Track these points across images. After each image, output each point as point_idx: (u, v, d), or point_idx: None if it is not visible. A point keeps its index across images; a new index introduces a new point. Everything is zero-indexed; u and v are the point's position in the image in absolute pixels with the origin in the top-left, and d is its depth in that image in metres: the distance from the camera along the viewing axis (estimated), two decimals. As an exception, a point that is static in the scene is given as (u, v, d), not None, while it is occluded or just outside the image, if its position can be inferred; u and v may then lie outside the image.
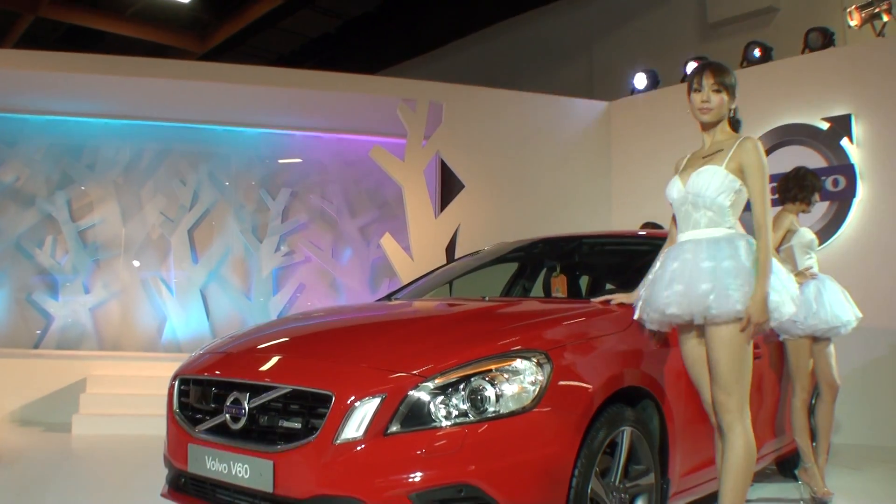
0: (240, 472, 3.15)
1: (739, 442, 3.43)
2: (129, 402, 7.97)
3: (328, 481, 2.93)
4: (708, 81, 3.61)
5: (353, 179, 11.35)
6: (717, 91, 3.62)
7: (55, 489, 5.19)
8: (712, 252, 3.43)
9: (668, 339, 3.82)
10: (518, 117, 9.96)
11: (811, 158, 8.31)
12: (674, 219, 3.81)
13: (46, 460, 6.35)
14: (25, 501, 4.77)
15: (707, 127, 3.72)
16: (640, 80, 10.26)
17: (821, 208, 8.11)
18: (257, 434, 3.18)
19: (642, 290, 3.68)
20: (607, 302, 3.88)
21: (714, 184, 3.52)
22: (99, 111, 10.47)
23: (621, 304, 3.84)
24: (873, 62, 8.19)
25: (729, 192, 3.52)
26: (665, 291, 3.44)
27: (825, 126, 8.32)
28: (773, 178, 8.66)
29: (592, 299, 4.05)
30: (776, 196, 5.35)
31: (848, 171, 8.08)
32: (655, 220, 6.92)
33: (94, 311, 10.41)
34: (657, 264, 3.68)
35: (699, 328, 3.52)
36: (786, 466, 5.80)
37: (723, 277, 3.35)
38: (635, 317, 3.68)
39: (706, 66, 3.67)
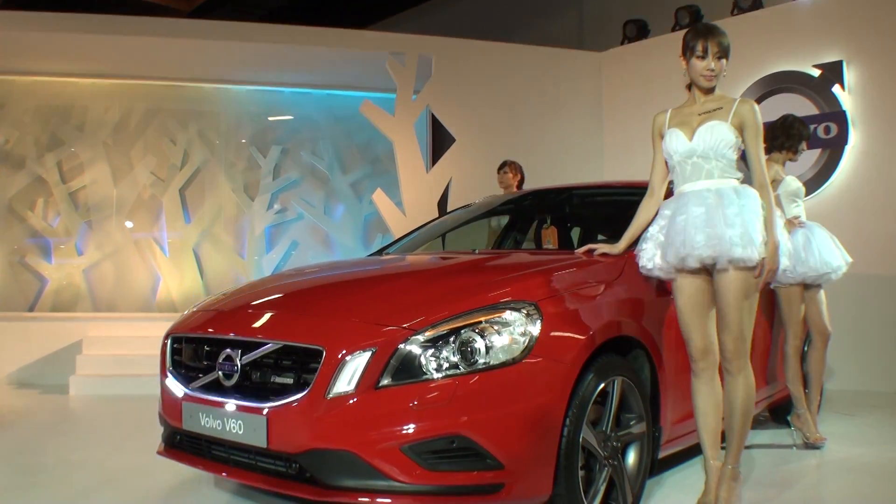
0: (234, 428, 3.17)
1: (747, 383, 3.56)
2: (125, 362, 8.00)
3: (321, 435, 2.95)
4: (713, 49, 3.60)
5: (344, 135, 11.31)
6: (720, 58, 3.63)
7: (54, 449, 5.22)
8: (734, 199, 3.49)
9: (660, 288, 3.84)
10: (509, 70, 9.90)
11: (802, 106, 8.28)
12: (658, 171, 3.87)
13: (44, 421, 6.38)
14: (25, 462, 4.80)
15: (705, 89, 3.70)
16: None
17: (812, 155, 8.10)
18: (250, 390, 3.20)
19: (648, 241, 3.69)
20: (590, 252, 3.89)
21: (726, 138, 3.55)
22: (87, 71, 10.39)
23: (604, 255, 3.85)
24: (865, 8, 8.12)
25: (735, 148, 3.58)
26: (699, 235, 3.44)
27: (816, 73, 8.28)
28: (767, 125, 8.68)
29: (576, 250, 4.05)
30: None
31: (839, 118, 8.04)
32: (648, 171, 6.89)
33: (87, 273, 10.42)
34: (666, 213, 3.67)
35: (702, 276, 3.58)
36: (778, 413, 5.85)
37: (747, 223, 3.42)
38: (641, 265, 3.69)
39: (710, 31, 3.63)
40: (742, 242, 3.38)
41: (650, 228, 3.74)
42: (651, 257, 3.66)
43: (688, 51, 3.68)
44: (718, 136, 3.56)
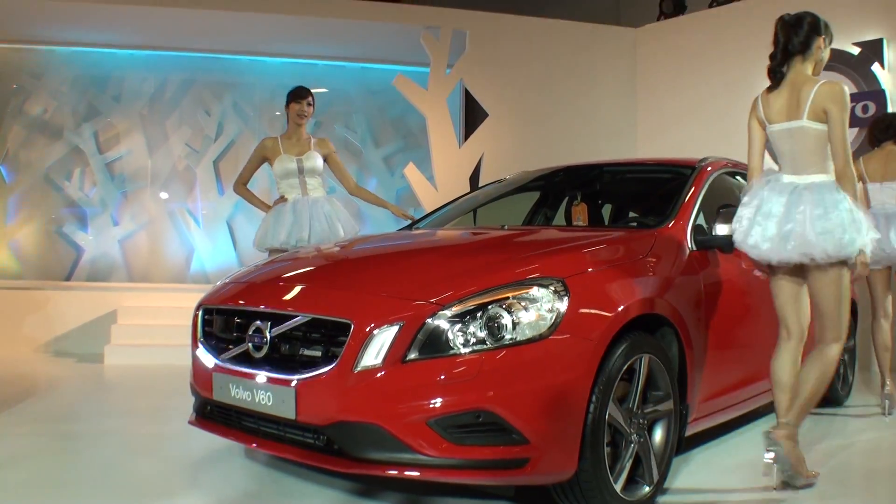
0: (263, 399, 3.21)
1: (833, 353, 3.80)
2: (159, 332, 8.10)
3: (348, 408, 2.99)
4: None
5: (378, 109, 11.30)
6: None
7: (87, 417, 5.31)
8: (835, 197, 3.65)
9: (689, 266, 3.84)
10: (543, 45, 9.84)
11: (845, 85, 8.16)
12: (757, 149, 3.99)
13: (79, 390, 6.49)
14: (58, 429, 4.89)
15: None
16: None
17: (850, 134, 7.98)
18: (279, 362, 3.24)
19: (750, 231, 3.78)
20: None
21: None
22: (124, 42, 10.42)
23: (638, 231, 3.88)
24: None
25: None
26: (811, 234, 3.59)
27: (856, 51, 8.15)
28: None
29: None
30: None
31: (879, 97, 7.93)
32: (680, 149, 6.94)
33: (122, 243, 10.51)
34: (761, 195, 3.80)
35: (796, 268, 3.78)
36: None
37: (849, 222, 3.59)
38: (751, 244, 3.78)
39: None
40: (848, 242, 3.57)
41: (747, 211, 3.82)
42: (756, 241, 3.75)
43: (828, 41, 3.91)
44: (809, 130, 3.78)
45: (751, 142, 3.98)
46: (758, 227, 3.74)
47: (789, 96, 3.80)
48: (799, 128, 3.75)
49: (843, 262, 3.67)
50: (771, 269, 3.89)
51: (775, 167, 3.94)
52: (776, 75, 3.87)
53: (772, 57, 3.89)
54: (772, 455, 3.66)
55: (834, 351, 3.80)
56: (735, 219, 3.86)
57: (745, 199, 3.86)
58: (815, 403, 3.88)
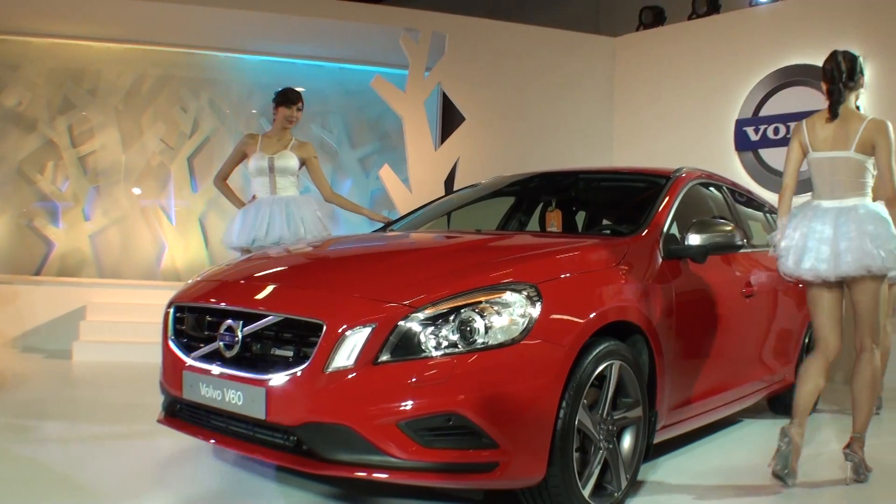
0: (233, 398, 3.20)
1: (877, 358, 4.17)
2: (129, 329, 8.03)
3: (319, 409, 2.98)
4: None
5: (355, 110, 11.30)
6: None
7: (54, 414, 5.26)
8: (883, 215, 4.04)
9: (661, 275, 3.87)
10: (522, 51, 9.87)
11: (817, 100, 8.20)
12: (793, 169, 4.32)
13: (48, 386, 6.42)
14: (26, 426, 4.84)
15: None
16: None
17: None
18: (250, 361, 3.23)
19: (803, 258, 4.08)
20: None
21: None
22: (101, 35, 10.35)
23: (612, 239, 3.93)
24: (884, 3, 8.07)
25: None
26: (869, 246, 3.94)
27: (832, 67, 8.23)
28: (781, 117, 8.64)
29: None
30: None
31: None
32: (656, 159, 6.95)
33: (94, 239, 10.44)
34: (807, 225, 4.12)
35: (835, 285, 4.13)
36: (776, 403, 5.86)
37: (886, 242, 3.96)
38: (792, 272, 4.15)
39: None
40: (886, 259, 3.95)
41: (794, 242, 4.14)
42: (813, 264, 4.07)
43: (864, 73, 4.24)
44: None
45: (789, 162, 4.32)
46: (810, 253, 4.06)
47: (836, 128, 4.13)
48: (845, 157, 4.09)
49: (883, 275, 4.06)
50: (809, 288, 4.21)
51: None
52: (836, 109, 4.16)
53: (830, 92, 4.18)
54: (851, 465, 4.12)
55: (877, 355, 4.17)
56: (782, 249, 4.19)
57: (788, 231, 4.18)
58: (873, 407, 4.24)
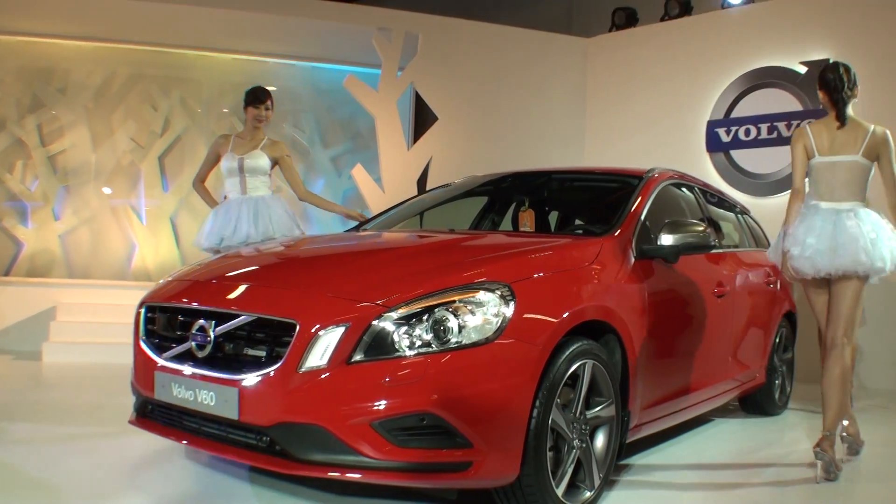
0: (205, 399, 3.18)
1: (848, 354, 4.35)
2: (99, 330, 7.97)
3: (292, 409, 2.96)
4: None
5: (327, 109, 11.27)
6: None
7: (24, 416, 5.20)
8: (879, 218, 4.36)
9: (634, 275, 3.89)
10: (495, 51, 9.89)
11: (788, 102, 8.34)
12: (801, 173, 4.54)
13: (16, 388, 6.35)
14: (-6, 426, 4.80)
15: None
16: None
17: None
18: (223, 361, 3.20)
19: (796, 246, 4.40)
20: None
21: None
22: (71, 33, 10.26)
23: (585, 238, 3.95)
24: (853, 6, 8.16)
25: None
26: (866, 244, 4.22)
27: (803, 70, 8.32)
28: (752, 119, 8.69)
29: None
30: None
31: (824, 115, 8.05)
32: (628, 159, 6.97)
33: (63, 238, 10.34)
34: (811, 220, 4.39)
35: (828, 281, 4.41)
36: (747, 403, 5.92)
37: (884, 243, 4.27)
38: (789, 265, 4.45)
39: None
40: (881, 260, 4.23)
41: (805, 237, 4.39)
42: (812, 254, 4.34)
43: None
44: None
45: (798, 167, 4.55)
46: (811, 242, 4.33)
47: (845, 134, 4.42)
48: (851, 162, 4.38)
49: (867, 276, 4.31)
50: (806, 285, 4.54)
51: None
52: (844, 116, 4.44)
53: (835, 101, 4.46)
54: (821, 463, 4.21)
55: (847, 352, 4.35)
56: (789, 240, 4.45)
57: (796, 223, 4.45)
58: (848, 403, 4.53)
